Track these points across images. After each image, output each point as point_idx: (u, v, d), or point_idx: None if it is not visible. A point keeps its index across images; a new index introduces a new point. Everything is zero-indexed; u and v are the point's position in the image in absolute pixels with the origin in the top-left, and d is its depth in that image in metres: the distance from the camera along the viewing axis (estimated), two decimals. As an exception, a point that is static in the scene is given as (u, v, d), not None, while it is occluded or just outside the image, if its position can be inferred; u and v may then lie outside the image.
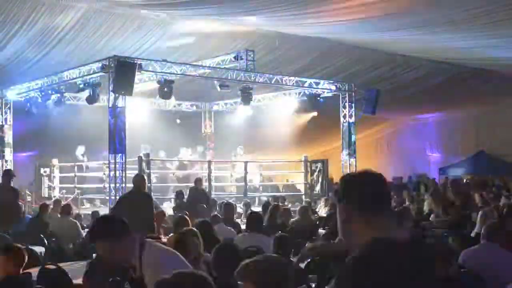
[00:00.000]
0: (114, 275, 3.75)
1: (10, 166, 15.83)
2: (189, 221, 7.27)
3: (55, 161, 16.85)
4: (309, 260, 5.93)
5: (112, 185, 12.57)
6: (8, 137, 15.76)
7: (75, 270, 6.18)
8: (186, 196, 12.68)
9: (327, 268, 5.45)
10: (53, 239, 9.46)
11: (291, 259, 5.29)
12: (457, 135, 25.58)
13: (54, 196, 15.66)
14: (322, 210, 13.64)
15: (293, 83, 15.54)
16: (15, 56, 14.48)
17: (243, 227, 9.36)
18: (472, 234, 8.83)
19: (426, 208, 13.42)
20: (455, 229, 9.85)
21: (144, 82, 14.65)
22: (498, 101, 22.73)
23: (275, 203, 11.81)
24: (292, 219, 10.35)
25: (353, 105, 16.16)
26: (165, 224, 9.75)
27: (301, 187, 17.83)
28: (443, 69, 18.74)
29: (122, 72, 11.98)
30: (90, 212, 13.87)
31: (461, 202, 12.88)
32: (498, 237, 5.38)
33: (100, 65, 12.83)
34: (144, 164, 14.17)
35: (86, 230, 10.37)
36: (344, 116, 16.21)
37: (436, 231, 10.29)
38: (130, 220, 3.53)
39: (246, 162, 16.67)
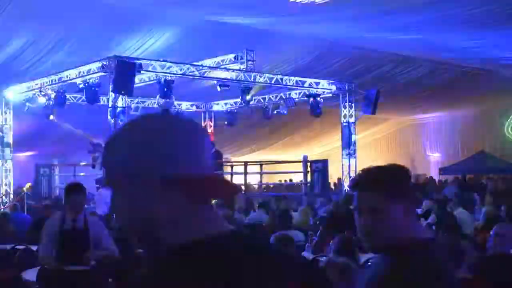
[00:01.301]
0: None
1: (10, 166, 15.85)
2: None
3: (55, 161, 16.85)
4: None
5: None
6: (8, 137, 15.76)
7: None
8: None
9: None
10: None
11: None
12: (457, 135, 25.59)
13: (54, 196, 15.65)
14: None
15: (293, 83, 15.54)
16: (15, 56, 14.47)
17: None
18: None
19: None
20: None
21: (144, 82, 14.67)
22: (498, 101, 22.73)
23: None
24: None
25: (353, 105, 16.17)
26: None
27: (301, 187, 17.83)
28: (443, 69, 18.74)
29: (122, 72, 11.98)
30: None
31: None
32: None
33: (100, 65, 12.83)
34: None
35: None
36: (344, 116, 16.20)
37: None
38: None
39: (246, 162, 16.67)
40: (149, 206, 1.18)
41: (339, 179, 20.77)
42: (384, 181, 2.00)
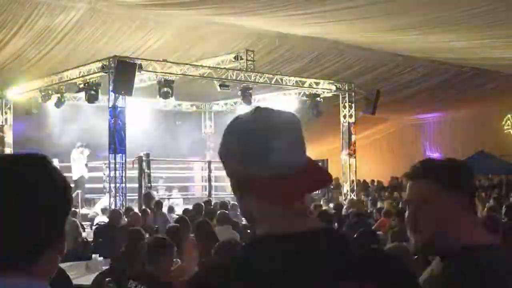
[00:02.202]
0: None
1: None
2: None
3: (55, 161, 16.81)
4: None
5: (112, 185, 12.58)
6: (8, 137, 15.77)
7: (75, 270, 6.18)
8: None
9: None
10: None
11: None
12: (457, 135, 25.57)
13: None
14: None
15: (293, 83, 15.54)
16: (15, 56, 14.48)
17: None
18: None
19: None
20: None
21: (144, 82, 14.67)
22: (498, 101, 22.72)
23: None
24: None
25: (353, 105, 16.17)
26: None
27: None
28: (443, 69, 18.74)
29: (122, 72, 11.99)
30: (89, 212, 13.88)
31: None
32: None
33: (100, 65, 12.84)
34: (144, 164, 14.18)
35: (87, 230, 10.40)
36: (344, 116, 16.21)
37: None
38: None
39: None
40: (244, 203, 1.28)
41: (336, 178, 20.76)
42: (438, 170, 1.76)
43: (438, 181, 1.73)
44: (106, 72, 12.57)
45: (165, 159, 17.38)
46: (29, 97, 15.25)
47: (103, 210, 12.18)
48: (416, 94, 20.57)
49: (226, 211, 9.27)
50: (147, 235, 6.27)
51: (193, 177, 18.89)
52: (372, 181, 23.58)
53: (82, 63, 13.62)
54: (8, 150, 15.74)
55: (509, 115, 24.60)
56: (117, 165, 12.43)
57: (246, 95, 15.16)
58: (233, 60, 14.90)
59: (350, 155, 16.19)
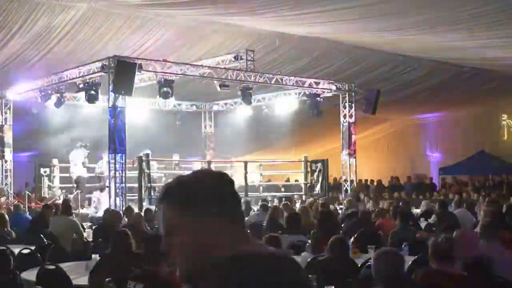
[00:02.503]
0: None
1: (10, 166, 15.84)
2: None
3: (55, 161, 16.84)
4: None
5: (112, 185, 12.58)
6: (8, 137, 15.77)
7: (75, 270, 6.17)
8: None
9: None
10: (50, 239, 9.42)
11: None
12: (457, 135, 25.57)
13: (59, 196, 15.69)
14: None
15: (293, 83, 15.54)
16: (15, 56, 14.48)
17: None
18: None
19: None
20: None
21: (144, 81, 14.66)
22: (498, 101, 22.73)
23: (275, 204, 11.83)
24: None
25: (353, 105, 16.17)
26: None
27: (301, 187, 17.84)
28: (443, 69, 18.73)
29: (122, 72, 11.98)
30: (89, 212, 13.88)
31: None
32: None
33: (100, 65, 12.84)
34: (144, 164, 14.17)
35: (87, 230, 10.39)
36: (344, 116, 16.21)
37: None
38: None
39: (246, 162, 16.67)
40: None
41: (334, 178, 20.81)
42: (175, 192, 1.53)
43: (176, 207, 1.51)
44: (106, 72, 12.57)
45: (165, 159, 17.38)
46: (29, 97, 15.25)
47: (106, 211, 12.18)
48: (416, 94, 20.57)
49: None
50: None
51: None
52: (372, 181, 23.61)
53: (82, 63, 13.62)
54: (8, 150, 15.75)
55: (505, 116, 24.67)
56: (117, 165, 12.43)
57: (246, 95, 15.16)
58: (233, 60, 14.89)
59: (350, 155, 16.19)
